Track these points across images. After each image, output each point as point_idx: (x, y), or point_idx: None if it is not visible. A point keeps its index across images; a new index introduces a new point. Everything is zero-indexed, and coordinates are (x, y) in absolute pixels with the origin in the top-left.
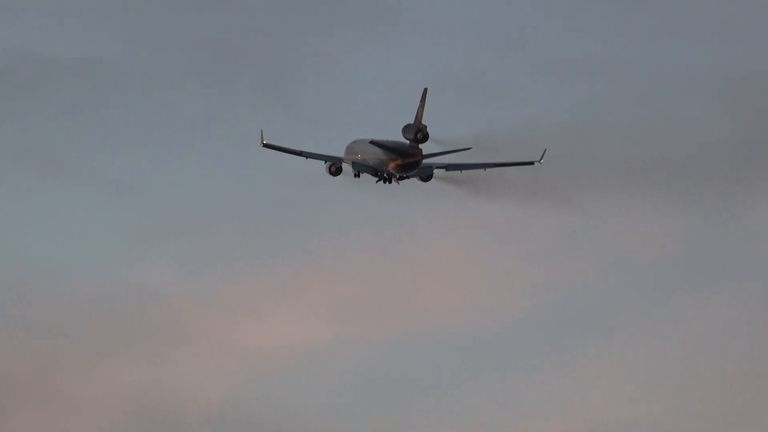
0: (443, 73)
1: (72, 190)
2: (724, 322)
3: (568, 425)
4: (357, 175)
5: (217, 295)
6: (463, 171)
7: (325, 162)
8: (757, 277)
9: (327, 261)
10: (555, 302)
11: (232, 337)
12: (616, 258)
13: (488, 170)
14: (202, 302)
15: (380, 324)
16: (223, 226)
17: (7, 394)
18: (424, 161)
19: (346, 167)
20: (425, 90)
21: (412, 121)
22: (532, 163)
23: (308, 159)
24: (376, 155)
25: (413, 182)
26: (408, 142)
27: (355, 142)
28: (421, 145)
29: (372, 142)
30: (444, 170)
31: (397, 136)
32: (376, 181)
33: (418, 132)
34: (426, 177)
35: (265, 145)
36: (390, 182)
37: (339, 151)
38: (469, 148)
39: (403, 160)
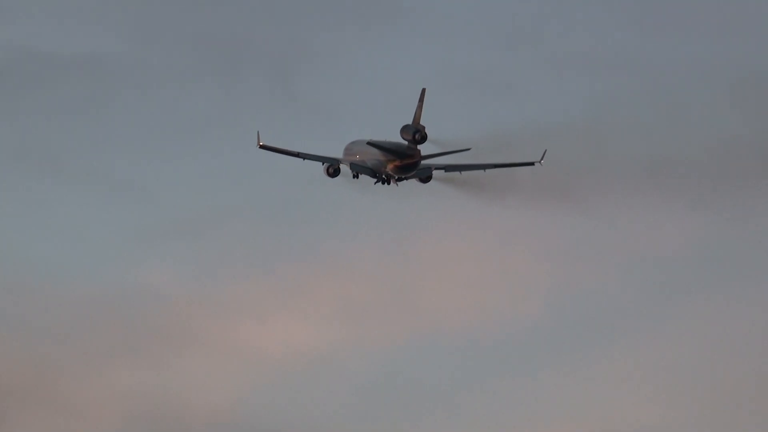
0: (450, 70)
1: (73, 189)
2: (740, 325)
3: (575, 430)
4: (356, 176)
5: (220, 296)
6: (463, 172)
7: (323, 163)
8: None
9: (329, 263)
10: (562, 304)
11: (233, 338)
12: (626, 260)
13: (491, 171)
14: (204, 304)
15: (384, 326)
16: (226, 226)
17: (7, 397)
18: (423, 162)
19: (344, 168)
20: (423, 90)
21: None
22: (532, 163)
23: (305, 160)
24: (374, 156)
25: (412, 183)
26: (406, 143)
27: (353, 142)
28: (419, 146)
29: (370, 143)
30: (443, 171)
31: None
32: (375, 183)
33: (416, 133)
34: (425, 178)
35: (262, 147)
36: (388, 183)
37: (342, 150)
38: (468, 149)
39: (402, 161)
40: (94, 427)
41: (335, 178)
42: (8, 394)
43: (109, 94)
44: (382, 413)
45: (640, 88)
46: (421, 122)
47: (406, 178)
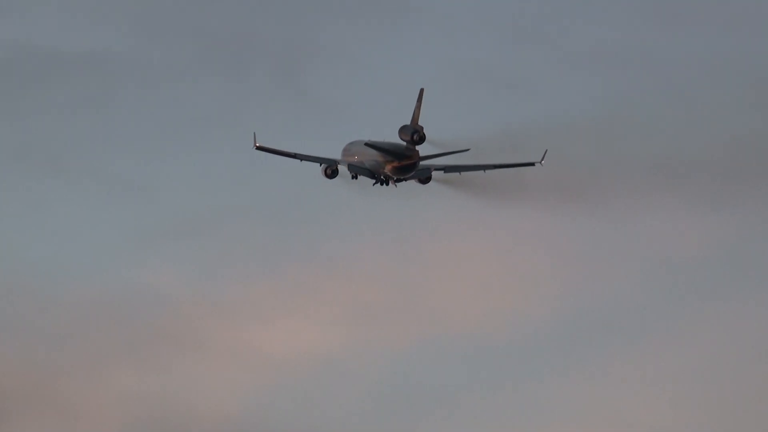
0: (457, 68)
1: (76, 189)
2: (756, 328)
3: None
4: (354, 177)
5: (221, 297)
6: (462, 173)
7: (320, 164)
8: None
9: (332, 265)
10: (567, 306)
11: (233, 339)
12: (637, 262)
13: (491, 171)
14: (205, 305)
15: (386, 328)
16: (230, 227)
17: (7, 400)
18: (422, 163)
19: (343, 169)
20: (421, 90)
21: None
22: (533, 164)
23: (303, 161)
24: (372, 157)
25: (412, 184)
26: (404, 143)
27: (351, 143)
28: (418, 147)
29: (367, 144)
30: (443, 172)
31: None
32: (373, 184)
33: (414, 133)
34: (424, 179)
35: (258, 148)
36: (387, 184)
37: (340, 151)
38: (467, 150)
39: (400, 162)
40: None
41: (333, 179)
42: (8, 396)
43: (112, 92)
44: (381, 416)
45: (650, 85)
46: (422, 122)
47: (405, 179)
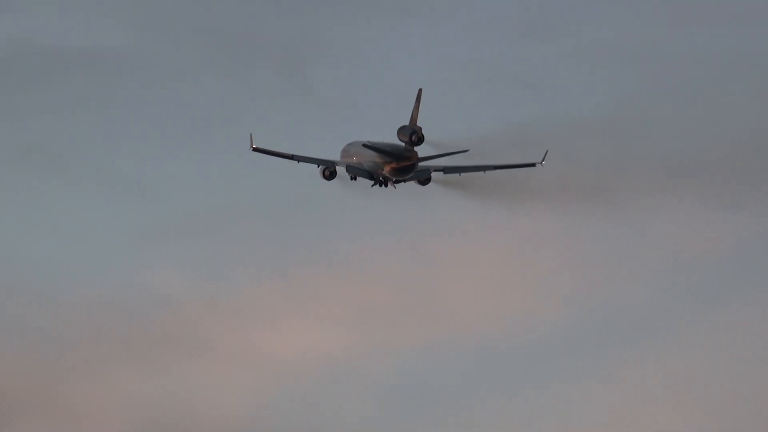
0: (463, 66)
1: (77, 188)
2: None
3: None
4: (353, 179)
5: (221, 298)
6: (462, 174)
7: (318, 166)
8: None
9: (334, 266)
10: (571, 307)
11: (233, 340)
12: (649, 264)
13: (496, 172)
14: (206, 306)
15: (388, 330)
16: (234, 227)
17: (8, 403)
18: (422, 164)
19: (341, 171)
20: (420, 90)
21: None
22: (533, 164)
23: (300, 163)
24: (370, 158)
25: (411, 186)
26: (403, 144)
27: (350, 144)
28: (416, 148)
29: (365, 145)
30: (442, 173)
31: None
32: (372, 185)
33: (413, 134)
34: (424, 180)
35: (255, 149)
36: (386, 186)
37: (339, 152)
38: (466, 150)
39: (398, 163)
40: None
41: (331, 181)
42: (8, 397)
43: (114, 89)
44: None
45: (674, 80)
46: (422, 123)
47: (404, 181)
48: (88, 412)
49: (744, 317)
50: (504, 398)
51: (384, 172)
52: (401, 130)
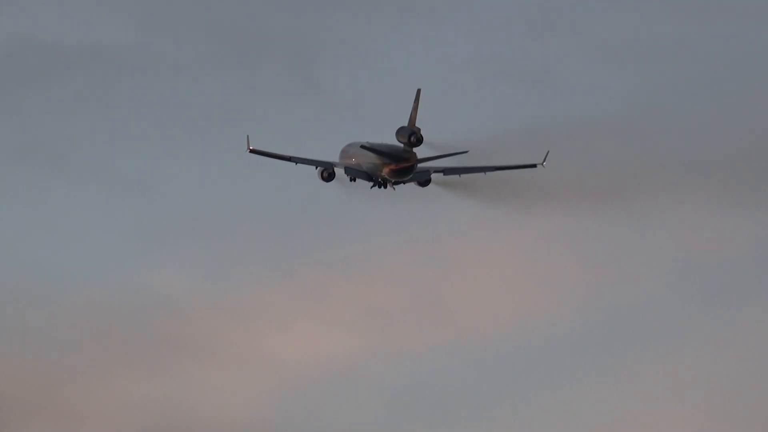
0: (469, 64)
1: (78, 188)
2: None
3: None
4: (352, 180)
5: (222, 298)
6: (462, 175)
7: (317, 167)
8: None
9: (335, 266)
10: (574, 307)
11: (234, 340)
12: (654, 266)
13: (496, 172)
14: (206, 306)
15: (390, 331)
16: (232, 227)
17: (9, 405)
18: (421, 165)
19: (340, 172)
20: (418, 91)
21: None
22: (534, 165)
23: (298, 164)
24: (369, 160)
25: (411, 187)
26: (402, 146)
27: (349, 145)
28: (415, 149)
29: (364, 147)
30: (442, 174)
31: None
32: (371, 187)
33: (411, 135)
34: (423, 182)
35: (252, 151)
36: (385, 187)
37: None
38: (465, 152)
39: (397, 164)
40: None
41: (330, 183)
42: (8, 398)
43: (116, 87)
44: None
45: (690, 77)
46: (421, 123)
47: (404, 182)
48: (90, 413)
49: (756, 317)
50: (513, 399)
51: (383, 174)
52: (400, 131)
